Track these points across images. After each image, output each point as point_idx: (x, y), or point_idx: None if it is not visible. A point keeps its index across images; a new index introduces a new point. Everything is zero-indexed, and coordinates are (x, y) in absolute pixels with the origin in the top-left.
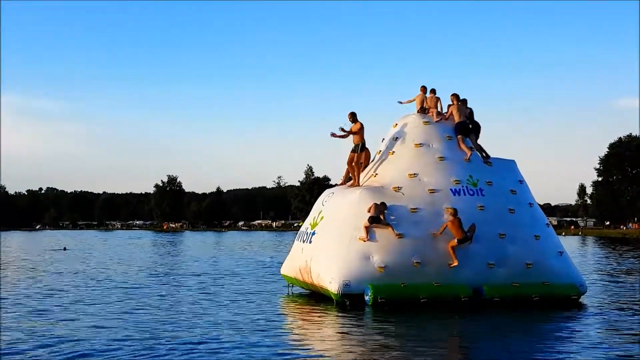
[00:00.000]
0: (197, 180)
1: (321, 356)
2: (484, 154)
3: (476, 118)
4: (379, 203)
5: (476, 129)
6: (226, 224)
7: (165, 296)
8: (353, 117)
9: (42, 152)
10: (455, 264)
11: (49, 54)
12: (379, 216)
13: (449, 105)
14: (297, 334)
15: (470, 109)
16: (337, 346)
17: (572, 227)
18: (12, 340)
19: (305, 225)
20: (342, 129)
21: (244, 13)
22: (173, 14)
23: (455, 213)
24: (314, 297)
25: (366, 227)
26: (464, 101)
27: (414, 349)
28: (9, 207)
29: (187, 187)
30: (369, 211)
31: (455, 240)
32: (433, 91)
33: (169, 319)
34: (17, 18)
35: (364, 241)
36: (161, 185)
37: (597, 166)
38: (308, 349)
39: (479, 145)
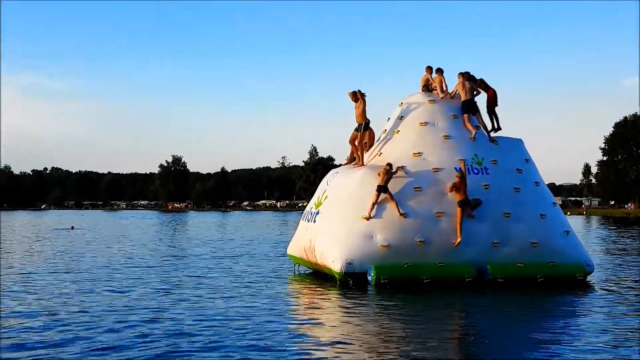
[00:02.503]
0: (202, 161)
1: (323, 339)
2: (494, 126)
3: (483, 96)
4: (387, 167)
5: (494, 97)
6: (231, 204)
7: (172, 277)
8: (354, 95)
9: (48, 132)
10: (459, 240)
11: (56, 34)
12: (387, 185)
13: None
14: (300, 315)
15: (481, 79)
16: (339, 328)
17: (583, 205)
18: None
19: (310, 205)
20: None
21: None
22: None
23: (462, 175)
24: (320, 276)
25: (373, 203)
26: (472, 77)
27: (417, 333)
28: (14, 187)
29: (192, 168)
30: (379, 175)
31: (458, 207)
32: (440, 71)
33: (174, 300)
34: None
35: (367, 219)
36: (166, 165)
37: (602, 145)
38: (310, 331)
39: (495, 114)
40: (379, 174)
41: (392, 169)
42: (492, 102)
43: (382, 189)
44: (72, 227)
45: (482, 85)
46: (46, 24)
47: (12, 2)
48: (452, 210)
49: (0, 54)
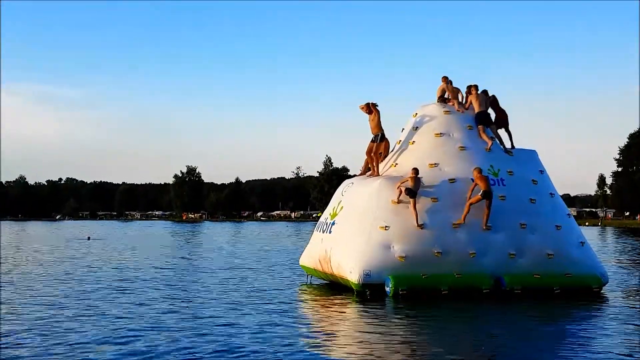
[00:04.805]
0: (216, 171)
1: (341, 350)
2: (504, 145)
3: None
4: (413, 173)
5: (503, 117)
6: (245, 214)
7: (185, 287)
8: (367, 107)
9: (62, 142)
10: (485, 226)
11: (70, 41)
12: (417, 190)
13: (468, 95)
14: (318, 326)
15: (494, 96)
16: (357, 341)
17: (609, 215)
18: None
19: (325, 216)
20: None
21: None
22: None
23: (480, 171)
24: (334, 287)
25: (414, 209)
26: (485, 92)
27: (435, 344)
28: (29, 197)
29: (206, 178)
30: (399, 187)
31: (480, 193)
32: (449, 83)
33: (185, 310)
34: (38, 5)
35: (421, 227)
36: (180, 175)
37: (617, 156)
38: (328, 343)
39: (509, 133)
40: (408, 180)
41: (418, 174)
42: (501, 123)
43: (413, 193)
44: (89, 238)
45: (494, 103)
46: (60, 31)
47: (25, 6)
48: (469, 220)
49: (0, 59)
